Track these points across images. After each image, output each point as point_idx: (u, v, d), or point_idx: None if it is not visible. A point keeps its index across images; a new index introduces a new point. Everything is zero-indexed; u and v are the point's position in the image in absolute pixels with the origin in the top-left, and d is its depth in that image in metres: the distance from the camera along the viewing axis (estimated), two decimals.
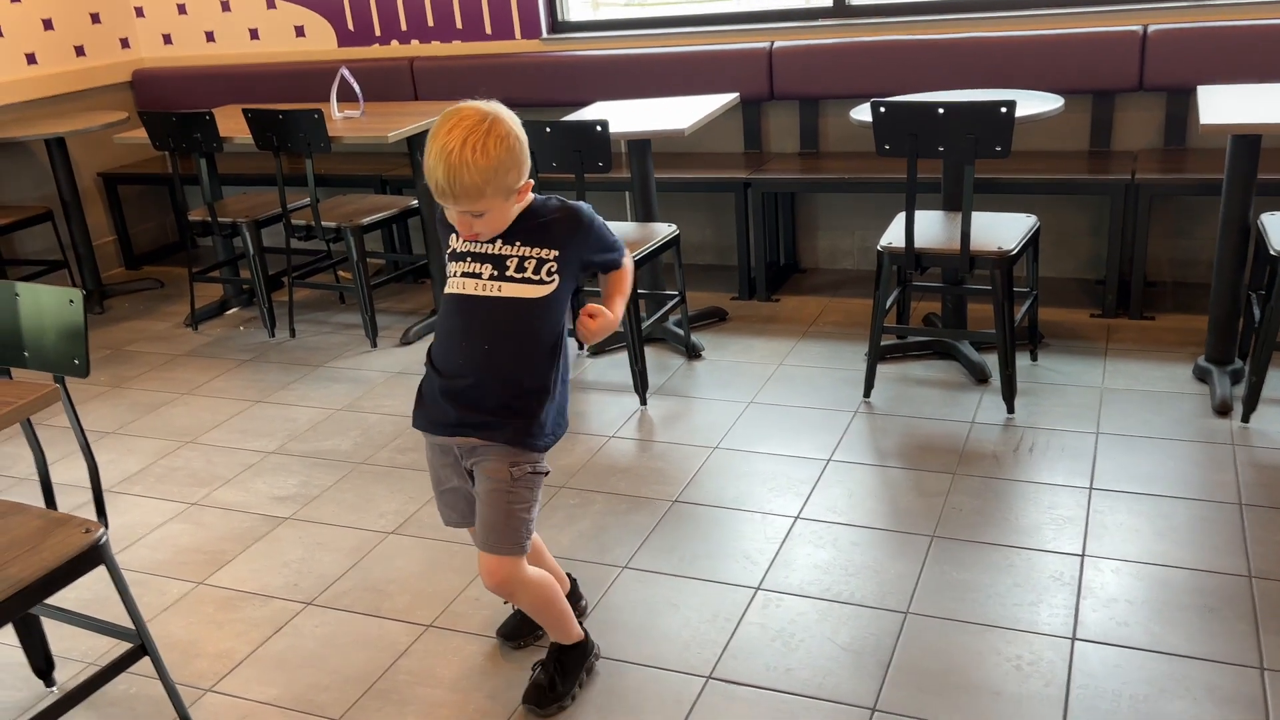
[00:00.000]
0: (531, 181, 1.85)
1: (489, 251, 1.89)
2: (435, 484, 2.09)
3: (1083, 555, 2.44)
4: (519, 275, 1.88)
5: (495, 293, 1.87)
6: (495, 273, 1.88)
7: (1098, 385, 3.27)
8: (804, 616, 2.31)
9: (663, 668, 2.19)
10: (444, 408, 1.94)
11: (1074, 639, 2.16)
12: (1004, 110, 2.90)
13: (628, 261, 2.07)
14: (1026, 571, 2.40)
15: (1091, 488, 2.71)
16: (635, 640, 2.29)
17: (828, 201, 4.50)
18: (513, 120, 1.79)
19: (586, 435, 3.25)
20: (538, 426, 1.94)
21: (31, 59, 5.01)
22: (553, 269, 1.88)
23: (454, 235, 1.92)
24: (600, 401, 3.49)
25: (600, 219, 1.97)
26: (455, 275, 1.92)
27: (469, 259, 1.90)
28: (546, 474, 1.99)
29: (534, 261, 1.88)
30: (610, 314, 2.00)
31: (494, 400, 1.91)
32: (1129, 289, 3.81)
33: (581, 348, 3.87)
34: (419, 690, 2.18)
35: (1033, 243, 3.28)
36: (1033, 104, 3.28)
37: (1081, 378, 3.33)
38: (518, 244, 1.88)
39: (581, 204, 1.96)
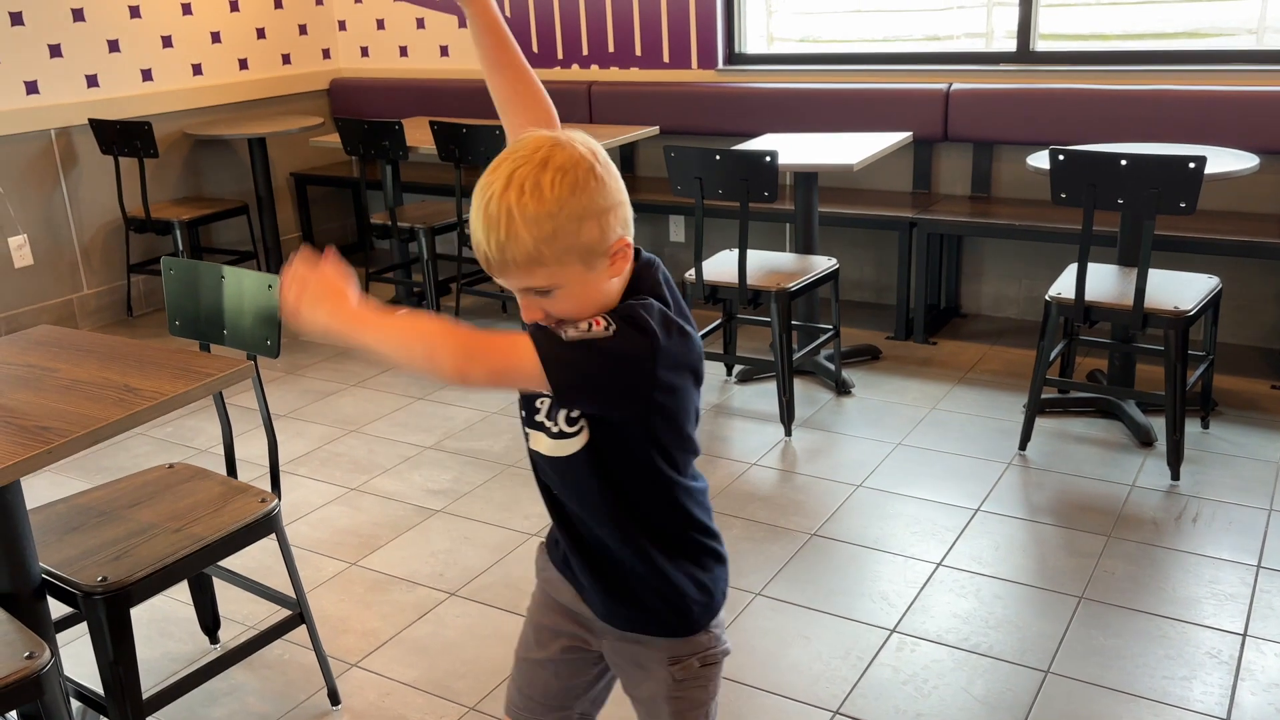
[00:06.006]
0: (630, 242, 1.22)
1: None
2: (524, 646, 1.48)
3: (1244, 635, 2.31)
4: (550, 427, 1.28)
5: (534, 445, 1.32)
6: (525, 415, 1.32)
7: (1274, 460, 3.09)
8: (939, 664, 2.27)
9: (790, 697, 2.19)
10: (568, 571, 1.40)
11: None
12: (1192, 166, 2.80)
13: (439, 326, 1.17)
14: (1180, 645, 2.29)
15: (1260, 566, 2.57)
16: (764, 668, 2.29)
17: (996, 247, 4.41)
18: (589, 146, 1.18)
19: (728, 460, 3.27)
20: (682, 603, 1.34)
21: (244, 64, 5.40)
22: (576, 414, 1.26)
23: None
24: (744, 428, 3.51)
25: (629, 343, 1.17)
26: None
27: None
28: (728, 653, 1.40)
29: (561, 410, 1.27)
30: (348, 292, 1.17)
31: (599, 577, 1.35)
32: None
33: (730, 372, 3.90)
34: None
35: (1213, 305, 3.14)
36: (1225, 161, 3.15)
37: (1257, 450, 3.16)
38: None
39: (646, 324, 1.17)
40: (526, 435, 1.33)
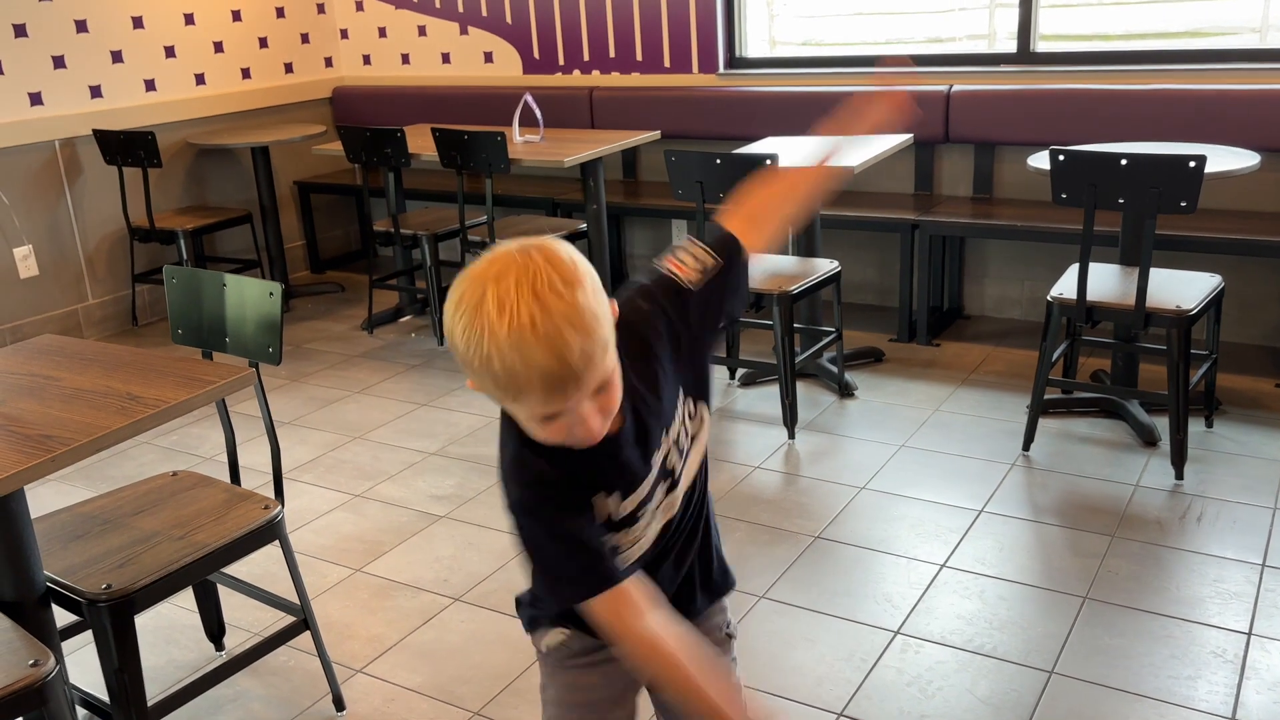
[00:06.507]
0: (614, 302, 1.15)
1: (647, 491, 1.23)
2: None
3: (1249, 634, 2.31)
4: (684, 447, 1.27)
5: (679, 498, 1.29)
6: (667, 486, 1.27)
7: (1278, 458, 3.08)
8: (943, 665, 2.27)
9: (794, 699, 2.19)
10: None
11: None
12: (1193, 165, 2.80)
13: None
14: (1185, 644, 2.29)
15: (1264, 565, 2.56)
16: (768, 670, 2.29)
17: (998, 248, 4.41)
18: (555, 240, 1.09)
19: (732, 464, 3.27)
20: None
21: (246, 74, 5.42)
22: (699, 410, 1.29)
23: (589, 516, 1.20)
24: (748, 432, 3.51)
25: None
26: (633, 531, 1.25)
27: (641, 518, 1.25)
28: None
29: (684, 423, 1.26)
30: None
31: (710, 563, 1.46)
32: None
33: (733, 376, 3.91)
34: None
35: (1215, 304, 3.14)
36: (1225, 160, 3.15)
37: (1261, 449, 3.15)
38: (664, 434, 1.23)
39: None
40: (675, 510, 1.29)
